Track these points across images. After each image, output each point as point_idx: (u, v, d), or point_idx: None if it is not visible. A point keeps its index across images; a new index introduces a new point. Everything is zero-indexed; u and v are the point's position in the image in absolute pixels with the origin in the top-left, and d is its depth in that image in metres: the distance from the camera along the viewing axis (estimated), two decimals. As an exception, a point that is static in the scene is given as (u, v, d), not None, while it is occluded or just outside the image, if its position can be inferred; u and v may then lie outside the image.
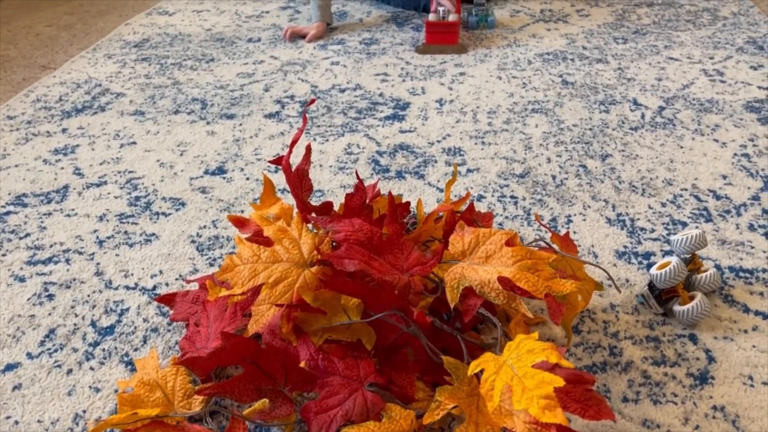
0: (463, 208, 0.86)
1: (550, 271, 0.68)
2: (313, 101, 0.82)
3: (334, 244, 0.74)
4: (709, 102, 1.38)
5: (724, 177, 1.12)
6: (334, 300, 0.68)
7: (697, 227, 1.00)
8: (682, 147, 1.22)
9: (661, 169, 1.15)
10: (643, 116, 1.34)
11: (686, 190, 1.09)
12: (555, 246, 0.81)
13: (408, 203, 0.86)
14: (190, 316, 0.80)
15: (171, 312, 0.83)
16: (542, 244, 0.88)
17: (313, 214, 0.74)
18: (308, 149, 0.77)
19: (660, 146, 1.22)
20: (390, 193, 0.76)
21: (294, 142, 0.75)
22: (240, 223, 0.82)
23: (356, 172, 0.95)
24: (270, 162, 0.80)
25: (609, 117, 1.34)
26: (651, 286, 0.84)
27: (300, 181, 0.75)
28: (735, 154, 1.18)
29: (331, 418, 0.62)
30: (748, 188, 1.08)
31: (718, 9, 1.93)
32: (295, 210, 0.77)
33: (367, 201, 0.78)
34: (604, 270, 0.81)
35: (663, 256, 0.94)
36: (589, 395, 0.59)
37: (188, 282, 0.85)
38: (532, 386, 0.54)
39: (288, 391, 0.67)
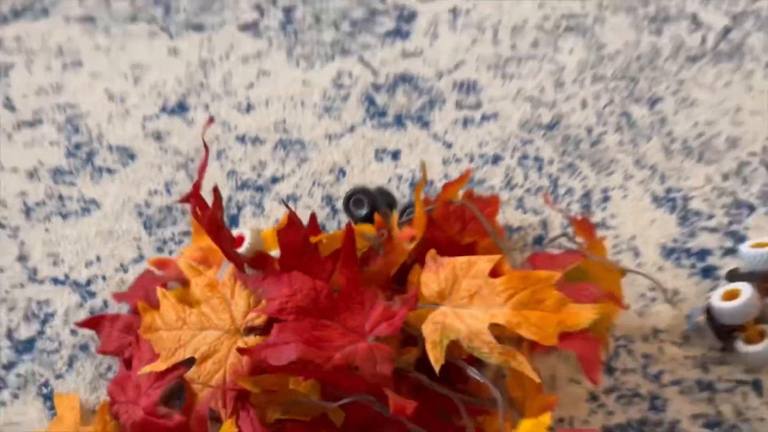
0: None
1: (557, 297, 0.51)
2: (212, 120, 0.62)
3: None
4: (787, 22, 1.11)
5: (804, 137, 0.89)
6: (280, 380, 0.51)
7: (759, 229, 0.80)
8: (751, 89, 0.98)
9: (724, 122, 0.92)
10: (704, 40, 1.08)
11: (755, 155, 0.87)
12: (580, 240, 0.63)
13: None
14: (122, 348, 0.63)
15: (99, 342, 0.67)
16: (564, 243, 0.69)
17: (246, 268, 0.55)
18: (216, 194, 0.56)
19: (724, 87, 0.98)
20: (349, 224, 0.56)
21: (202, 169, 0.55)
22: (161, 263, 0.64)
23: (284, 203, 0.75)
24: (179, 201, 0.61)
25: (661, 41, 1.08)
26: (709, 311, 0.66)
27: (217, 232, 0.55)
28: (818, 103, 0.95)
29: None
30: (835, 155, 0.86)
31: None
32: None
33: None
34: (654, 280, 0.63)
35: (722, 257, 0.75)
36: None
37: (117, 299, 0.68)
38: None
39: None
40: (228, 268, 0.60)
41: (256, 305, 0.55)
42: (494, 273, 0.52)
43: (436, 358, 0.50)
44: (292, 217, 0.57)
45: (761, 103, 0.95)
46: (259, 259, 0.58)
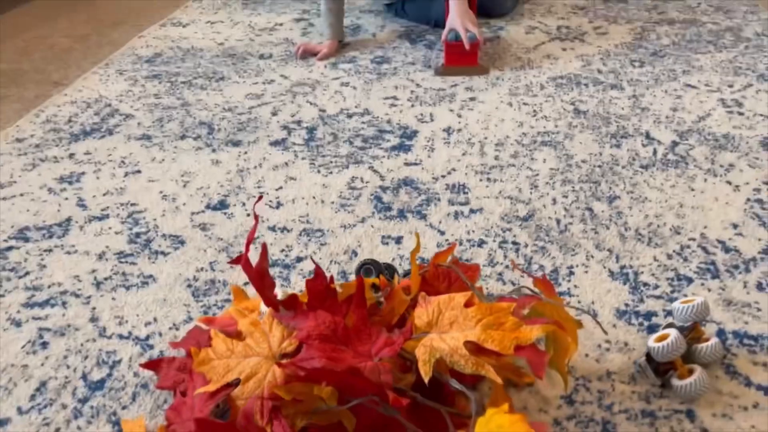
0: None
1: (513, 320, 0.69)
2: (261, 198, 0.83)
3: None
4: (724, 137, 1.34)
5: (735, 226, 1.08)
6: (307, 389, 0.67)
7: (693, 294, 0.97)
8: (693, 189, 1.18)
9: (669, 215, 1.12)
10: (655, 152, 1.30)
11: (694, 240, 1.06)
12: (538, 291, 0.80)
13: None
14: (177, 384, 0.80)
15: (157, 379, 0.83)
16: (526, 291, 0.86)
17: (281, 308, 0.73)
18: (264, 248, 0.76)
19: (670, 188, 1.19)
20: (359, 276, 0.75)
21: (249, 241, 0.75)
22: (208, 320, 0.82)
23: (311, 258, 0.96)
24: (229, 263, 0.81)
25: (620, 153, 1.31)
26: (649, 355, 0.82)
27: (262, 279, 0.74)
28: (748, 199, 1.14)
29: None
30: (759, 240, 1.05)
31: (741, 28, 1.86)
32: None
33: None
34: (588, 312, 0.79)
35: (665, 317, 0.91)
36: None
37: (174, 346, 0.85)
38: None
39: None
40: (264, 315, 0.77)
41: (289, 336, 0.72)
42: (468, 305, 0.69)
43: (425, 372, 0.66)
44: (318, 270, 0.75)
45: (701, 200, 1.15)
46: (290, 302, 0.75)
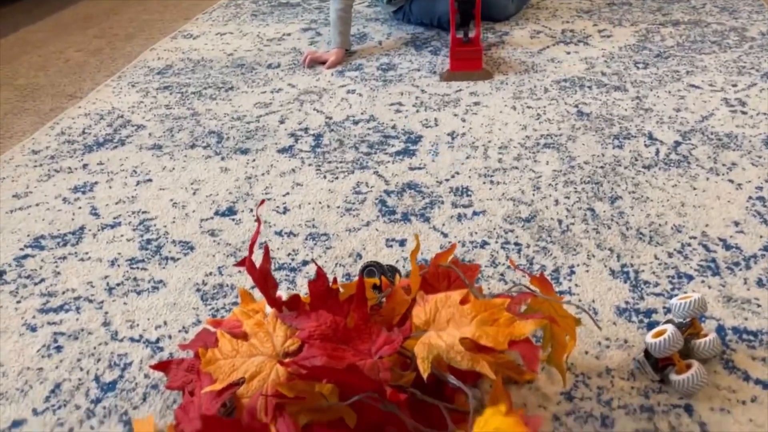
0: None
1: (507, 316, 0.71)
2: (263, 202, 0.86)
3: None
4: (727, 137, 1.34)
5: (737, 224, 1.09)
6: (308, 387, 0.69)
7: (693, 291, 0.98)
8: (695, 188, 1.19)
9: (671, 214, 1.13)
10: (657, 152, 1.31)
11: (695, 238, 1.06)
12: (535, 289, 0.81)
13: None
14: (185, 384, 0.82)
15: (167, 380, 0.85)
16: (523, 288, 0.87)
17: (284, 309, 0.75)
18: (266, 250, 0.78)
19: (672, 187, 1.20)
20: (360, 276, 0.77)
21: (253, 243, 0.77)
22: (216, 322, 0.85)
23: (313, 260, 0.99)
24: (234, 265, 0.83)
25: (622, 153, 1.32)
26: (647, 351, 0.83)
27: (265, 280, 0.76)
28: (750, 198, 1.15)
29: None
30: (761, 237, 1.05)
31: (746, 28, 1.87)
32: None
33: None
34: (581, 308, 0.80)
35: (665, 314, 0.92)
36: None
37: (183, 348, 0.87)
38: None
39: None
40: (270, 315, 0.80)
41: (292, 336, 0.74)
42: (463, 302, 0.71)
43: (424, 369, 0.68)
44: (320, 271, 0.77)
45: (702, 199, 1.16)
46: (293, 302, 0.77)
